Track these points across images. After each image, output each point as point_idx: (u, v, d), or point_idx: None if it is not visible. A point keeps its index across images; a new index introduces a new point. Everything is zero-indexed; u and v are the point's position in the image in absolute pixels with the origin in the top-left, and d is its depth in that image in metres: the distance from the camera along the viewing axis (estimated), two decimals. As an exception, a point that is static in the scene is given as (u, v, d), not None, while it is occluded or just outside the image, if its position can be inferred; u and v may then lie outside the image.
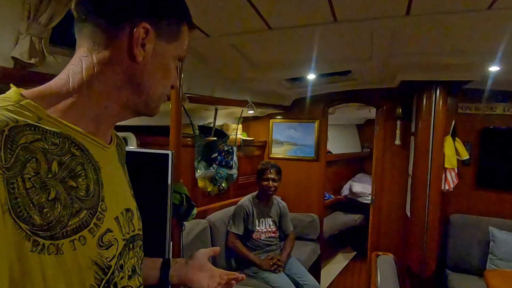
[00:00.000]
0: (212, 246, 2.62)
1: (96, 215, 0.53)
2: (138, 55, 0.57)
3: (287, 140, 3.67)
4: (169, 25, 0.61)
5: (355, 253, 4.65)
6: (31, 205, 0.44)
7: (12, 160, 0.44)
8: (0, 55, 1.16)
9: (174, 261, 0.89)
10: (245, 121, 3.69)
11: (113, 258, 0.55)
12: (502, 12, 1.46)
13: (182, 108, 2.21)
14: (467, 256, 2.82)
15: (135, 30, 0.56)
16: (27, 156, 0.45)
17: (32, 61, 1.21)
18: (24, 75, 1.24)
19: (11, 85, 0.54)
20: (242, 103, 2.86)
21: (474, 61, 2.18)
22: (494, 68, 2.27)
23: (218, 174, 2.66)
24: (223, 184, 2.78)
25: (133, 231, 0.64)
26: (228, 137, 2.95)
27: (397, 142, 3.18)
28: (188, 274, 0.87)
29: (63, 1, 1.18)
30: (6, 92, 0.52)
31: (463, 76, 2.54)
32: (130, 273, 0.62)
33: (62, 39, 1.30)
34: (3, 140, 0.44)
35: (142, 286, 0.68)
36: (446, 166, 2.75)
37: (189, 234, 2.30)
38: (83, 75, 0.56)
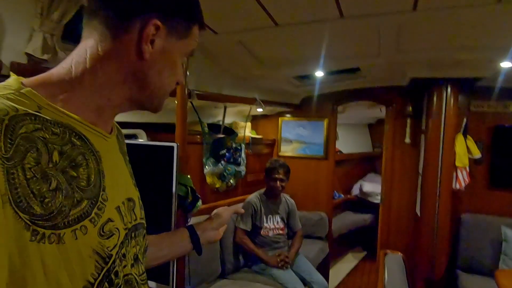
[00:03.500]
0: (221, 242, 2.64)
1: (97, 205, 0.53)
2: (146, 52, 0.56)
3: (296, 138, 3.66)
4: (180, 22, 0.60)
5: (365, 253, 4.61)
6: (31, 195, 0.44)
7: (12, 150, 0.43)
8: (14, 51, 1.21)
9: (199, 228, 1.04)
10: (254, 120, 3.70)
11: (114, 247, 0.55)
12: (512, 6, 1.43)
13: (191, 104, 2.24)
14: (478, 257, 2.77)
15: (146, 26, 0.55)
16: (27, 145, 0.45)
17: (45, 57, 1.25)
18: (37, 70, 1.28)
19: (11, 73, 0.53)
20: (251, 101, 2.88)
21: (485, 57, 2.14)
22: (506, 64, 2.22)
23: (226, 171, 2.68)
24: (231, 181, 2.79)
25: (135, 220, 0.65)
26: (237, 134, 2.97)
27: (407, 140, 3.14)
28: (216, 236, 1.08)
29: (74, -2, 1.23)
30: (6, 80, 0.51)
31: (474, 73, 2.49)
32: (132, 262, 0.62)
33: (73, 36, 1.34)
34: (3, 129, 0.43)
35: (145, 274, 0.68)
36: (457, 164, 2.71)
37: (197, 229, 2.31)
38: (86, 65, 0.55)
